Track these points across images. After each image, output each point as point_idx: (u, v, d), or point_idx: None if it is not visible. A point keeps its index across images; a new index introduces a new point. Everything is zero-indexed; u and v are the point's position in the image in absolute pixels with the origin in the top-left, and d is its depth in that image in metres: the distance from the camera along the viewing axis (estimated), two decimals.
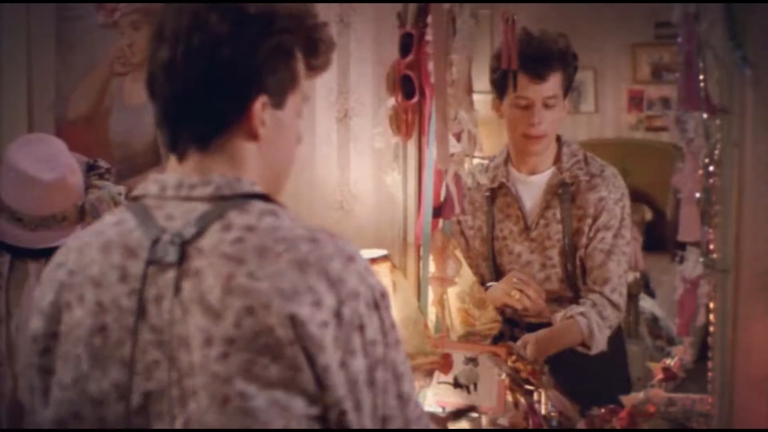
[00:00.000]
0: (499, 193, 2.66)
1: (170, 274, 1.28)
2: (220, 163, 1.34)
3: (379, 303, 1.30)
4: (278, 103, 1.36)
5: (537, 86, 2.52)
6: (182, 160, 1.36)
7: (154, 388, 1.28)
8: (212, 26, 1.30)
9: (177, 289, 1.27)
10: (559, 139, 2.64)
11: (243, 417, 1.24)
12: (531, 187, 2.63)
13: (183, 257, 1.28)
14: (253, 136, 1.34)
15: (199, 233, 1.29)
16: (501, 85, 2.55)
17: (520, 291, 2.51)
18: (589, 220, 2.57)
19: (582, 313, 2.50)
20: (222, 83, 1.31)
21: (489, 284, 2.64)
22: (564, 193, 2.58)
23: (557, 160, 2.63)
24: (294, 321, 1.23)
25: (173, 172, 1.37)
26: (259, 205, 1.32)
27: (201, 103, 1.32)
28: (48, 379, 1.37)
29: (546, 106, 2.53)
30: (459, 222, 2.66)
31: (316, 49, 1.40)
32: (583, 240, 2.58)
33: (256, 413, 1.23)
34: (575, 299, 2.58)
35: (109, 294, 1.31)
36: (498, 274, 2.65)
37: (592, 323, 2.49)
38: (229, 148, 1.35)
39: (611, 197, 2.58)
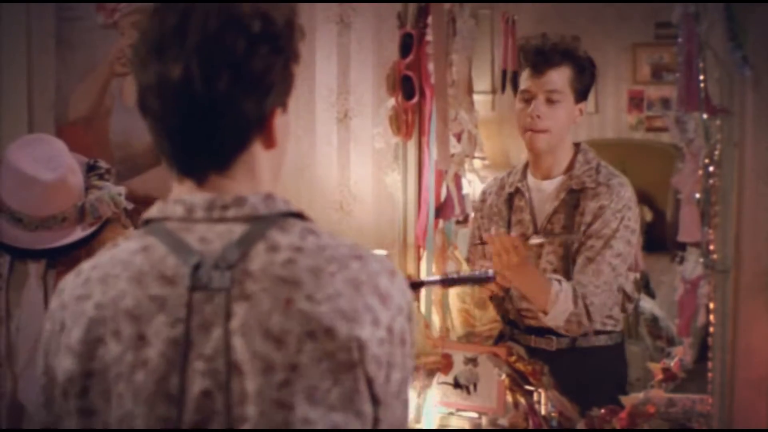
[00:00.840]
0: (516, 198, 2.66)
1: (219, 300, 1.23)
2: (241, 178, 1.29)
3: (413, 316, 1.32)
4: (286, 106, 1.32)
5: (537, 79, 2.52)
6: (202, 183, 1.30)
7: (201, 419, 1.23)
8: (230, 44, 1.24)
9: (228, 315, 1.23)
10: (578, 146, 2.63)
11: None
12: (542, 193, 2.62)
13: (232, 282, 1.23)
14: (271, 144, 1.30)
15: (244, 255, 1.24)
16: (515, 85, 2.57)
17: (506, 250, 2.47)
18: (584, 227, 2.56)
19: (559, 281, 2.49)
20: (255, 88, 1.26)
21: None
22: (570, 199, 2.57)
23: (571, 167, 2.62)
24: (359, 343, 1.22)
25: (198, 193, 1.30)
26: (297, 224, 1.28)
27: (221, 123, 1.26)
28: (91, 421, 1.29)
29: (549, 101, 2.53)
30: (479, 227, 2.68)
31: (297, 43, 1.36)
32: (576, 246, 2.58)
33: None
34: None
35: (150, 326, 1.24)
36: None
37: (561, 293, 2.46)
38: (248, 162, 1.29)
39: (611, 207, 2.56)
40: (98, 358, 1.26)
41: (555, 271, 2.55)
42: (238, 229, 1.26)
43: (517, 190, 2.65)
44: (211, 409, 1.22)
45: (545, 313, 2.47)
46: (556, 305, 2.45)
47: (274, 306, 1.22)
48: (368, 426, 1.24)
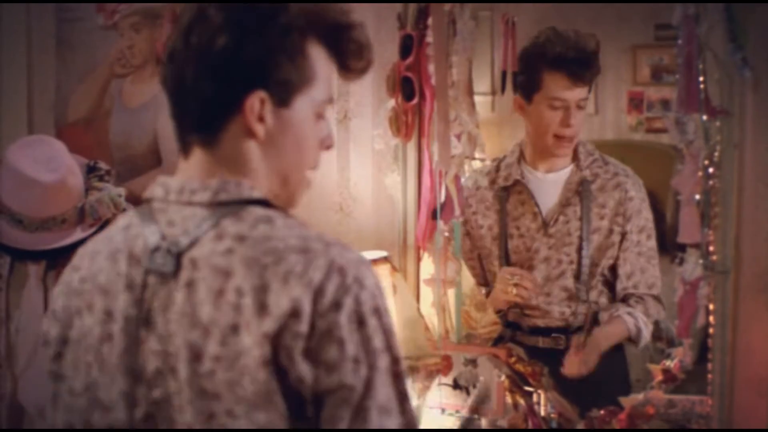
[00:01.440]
0: (513, 191, 2.66)
1: (169, 285, 1.27)
2: (223, 164, 1.32)
3: (365, 320, 1.22)
4: (283, 101, 1.31)
5: (575, 89, 2.53)
6: (188, 157, 1.35)
7: (159, 397, 1.27)
8: (211, 18, 1.29)
9: (172, 301, 1.26)
10: None
11: None
12: (547, 185, 2.62)
13: (178, 267, 1.27)
14: (251, 133, 1.31)
15: (193, 242, 1.27)
16: (529, 85, 2.55)
17: (516, 285, 2.50)
18: (619, 219, 2.59)
19: (629, 313, 2.54)
20: (216, 74, 1.29)
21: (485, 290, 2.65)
22: (585, 190, 2.59)
23: (574, 158, 2.64)
24: (269, 338, 1.20)
25: (179, 174, 1.35)
26: (255, 212, 1.29)
27: (197, 94, 1.31)
28: (59, 385, 1.37)
29: (578, 107, 2.54)
30: (466, 222, 2.66)
31: (344, 51, 1.36)
32: (611, 239, 2.60)
33: None
34: (585, 298, 2.59)
35: (117, 303, 1.30)
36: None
37: (639, 322, 2.53)
38: (230, 147, 1.32)
39: (638, 196, 2.62)
40: (74, 327, 1.34)
41: (571, 263, 2.57)
42: (199, 214, 1.29)
43: (516, 183, 2.65)
44: (167, 389, 1.26)
45: (637, 344, 2.55)
46: (641, 334, 2.55)
47: (207, 296, 1.24)
48: (308, 423, 1.21)
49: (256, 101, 1.30)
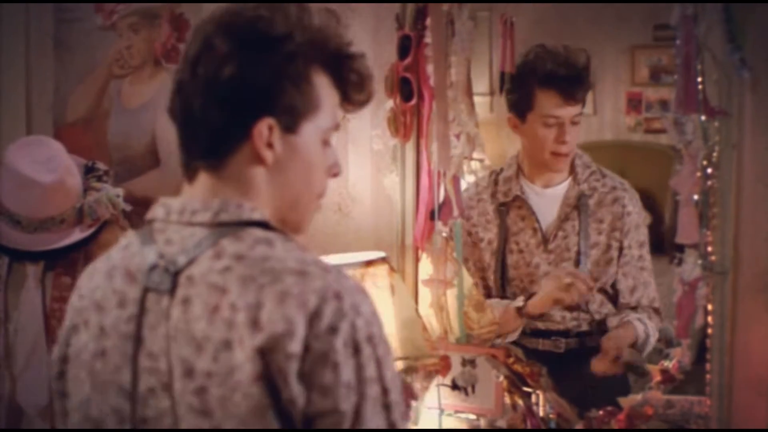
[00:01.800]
0: (512, 206, 2.64)
1: (164, 302, 1.27)
2: (228, 188, 1.32)
3: (360, 347, 1.22)
4: (290, 127, 1.32)
5: (568, 107, 2.52)
6: (191, 182, 1.35)
7: (151, 415, 1.28)
8: (217, 47, 1.30)
9: (167, 318, 1.27)
10: None
11: None
12: (546, 200, 2.62)
13: (174, 285, 1.27)
14: (260, 159, 1.31)
15: (191, 261, 1.27)
16: (522, 104, 2.55)
17: (569, 285, 2.47)
18: (617, 234, 2.60)
19: (639, 319, 2.55)
20: (224, 103, 1.30)
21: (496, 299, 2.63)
22: (582, 204, 2.58)
23: (571, 171, 2.63)
24: (261, 353, 1.20)
25: (182, 196, 1.35)
26: (255, 233, 1.29)
27: (205, 123, 1.31)
28: (63, 402, 1.40)
29: (573, 123, 2.54)
30: (470, 234, 2.65)
31: (346, 81, 1.38)
32: (609, 254, 2.60)
33: None
34: (585, 309, 2.59)
35: (109, 319, 1.31)
36: (505, 287, 2.64)
37: (648, 329, 2.54)
38: (237, 172, 1.32)
39: (635, 210, 2.62)
40: (72, 344, 1.37)
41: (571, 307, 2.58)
42: (199, 234, 1.30)
43: (516, 199, 2.64)
44: (158, 407, 1.27)
45: (641, 352, 2.55)
46: (648, 342, 2.55)
47: (203, 312, 1.24)
48: None
49: (265, 128, 1.30)
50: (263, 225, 1.31)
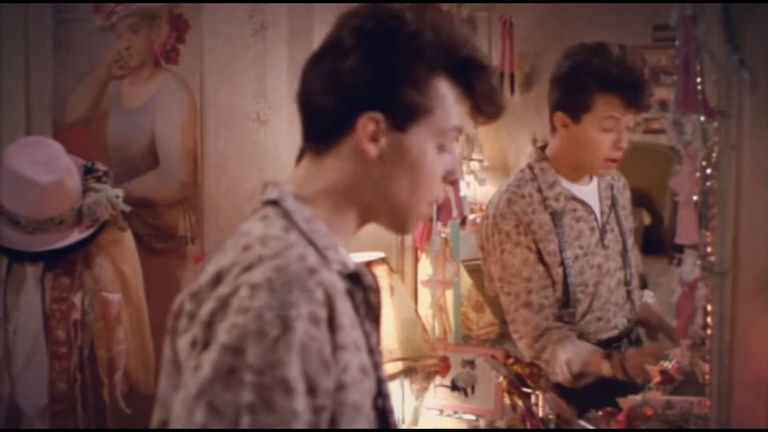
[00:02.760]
0: (566, 210, 2.51)
1: None
2: (322, 174, 1.34)
3: (213, 342, 1.16)
4: (400, 125, 1.32)
5: (632, 114, 2.43)
6: (297, 164, 1.39)
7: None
8: (344, 40, 1.32)
9: None
10: None
11: None
12: (590, 198, 2.55)
13: None
14: (362, 152, 1.32)
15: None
16: (578, 105, 2.42)
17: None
18: (631, 217, 2.63)
19: (651, 296, 2.63)
20: (336, 91, 1.31)
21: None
22: (613, 195, 2.58)
23: None
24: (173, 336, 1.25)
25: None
26: (266, 211, 1.31)
27: (316, 107, 1.33)
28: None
29: (628, 128, 2.46)
30: (539, 251, 2.45)
31: (474, 90, 1.36)
32: (633, 237, 2.63)
33: None
34: (635, 301, 2.60)
35: None
36: (569, 299, 2.48)
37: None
38: (336, 161, 1.34)
39: (629, 199, 2.66)
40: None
41: (621, 269, 2.57)
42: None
43: (572, 199, 2.52)
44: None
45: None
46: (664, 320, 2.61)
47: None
48: None
49: (370, 121, 1.30)
50: (275, 203, 1.32)
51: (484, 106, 1.37)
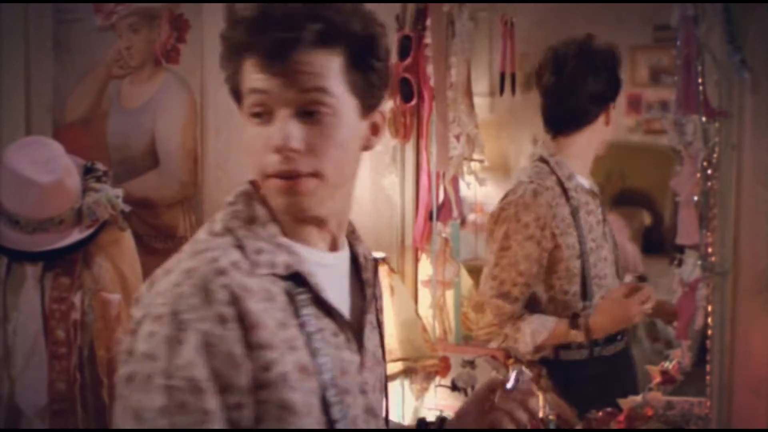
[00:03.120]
0: (581, 203, 2.53)
1: None
2: None
3: (137, 329, 1.23)
4: (364, 111, 1.36)
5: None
6: None
7: None
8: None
9: None
10: None
11: None
12: (595, 189, 2.60)
13: None
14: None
15: None
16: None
17: (644, 303, 2.41)
18: None
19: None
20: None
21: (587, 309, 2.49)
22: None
23: None
24: None
25: None
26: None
27: None
28: None
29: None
30: (558, 246, 2.48)
31: (239, 45, 1.34)
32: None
33: None
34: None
35: None
36: (586, 291, 2.50)
37: None
38: None
39: None
40: None
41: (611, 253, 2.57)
42: None
43: (584, 192, 2.55)
44: None
45: None
46: None
47: None
48: None
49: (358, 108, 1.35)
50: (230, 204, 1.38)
51: (250, 48, 1.30)
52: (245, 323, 1.21)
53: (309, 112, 1.28)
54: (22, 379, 2.47)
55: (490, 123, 2.73)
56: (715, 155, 2.07)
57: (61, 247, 2.38)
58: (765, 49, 2.01)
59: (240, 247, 1.28)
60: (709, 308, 2.10)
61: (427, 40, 2.48)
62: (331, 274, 1.37)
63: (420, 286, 2.58)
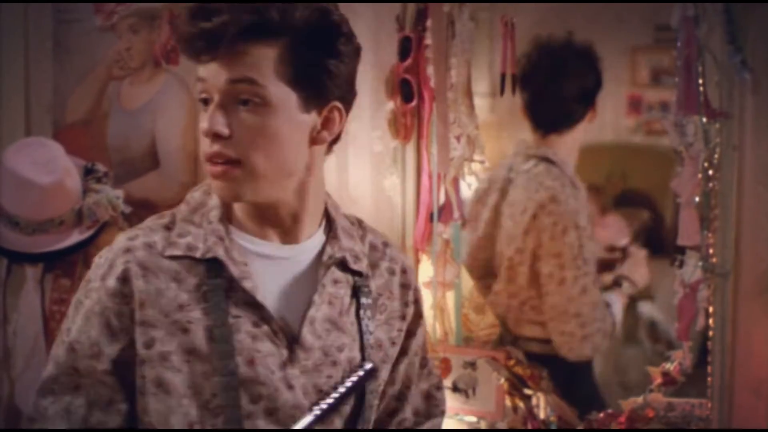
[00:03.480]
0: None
1: None
2: None
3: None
4: (303, 105, 1.41)
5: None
6: None
7: None
8: None
9: None
10: None
11: None
12: None
13: None
14: None
15: None
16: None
17: None
18: None
19: None
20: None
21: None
22: None
23: None
24: None
25: None
26: None
27: None
28: None
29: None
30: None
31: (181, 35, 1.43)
32: None
33: None
34: None
35: None
36: None
37: None
38: None
39: None
40: None
41: None
42: None
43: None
44: None
45: None
46: None
47: None
48: None
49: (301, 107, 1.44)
50: None
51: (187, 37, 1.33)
52: (133, 300, 1.32)
53: (244, 101, 1.32)
54: (22, 380, 2.47)
55: (490, 124, 2.73)
56: (716, 156, 2.07)
57: (62, 249, 2.38)
58: (766, 50, 2.00)
59: (168, 228, 1.38)
60: (710, 309, 2.10)
61: (428, 40, 2.48)
62: (277, 266, 1.38)
63: (421, 287, 2.58)
